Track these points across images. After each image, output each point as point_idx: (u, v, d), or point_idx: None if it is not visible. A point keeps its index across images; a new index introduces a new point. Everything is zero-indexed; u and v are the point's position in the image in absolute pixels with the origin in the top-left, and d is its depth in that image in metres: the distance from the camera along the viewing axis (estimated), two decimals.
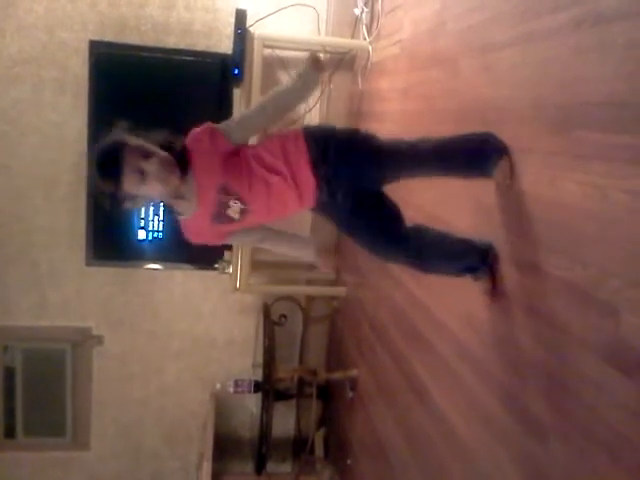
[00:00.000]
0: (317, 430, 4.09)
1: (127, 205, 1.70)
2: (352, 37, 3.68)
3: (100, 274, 3.88)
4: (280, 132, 1.93)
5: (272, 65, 3.72)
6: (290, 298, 4.05)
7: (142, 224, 3.66)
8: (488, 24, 2.00)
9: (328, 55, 3.79)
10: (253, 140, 2.09)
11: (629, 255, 1.27)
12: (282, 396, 3.83)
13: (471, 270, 1.87)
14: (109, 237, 3.65)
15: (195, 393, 4.14)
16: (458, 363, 2.10)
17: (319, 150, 1.78)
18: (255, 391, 3.72)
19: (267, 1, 3.63)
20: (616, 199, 1.31)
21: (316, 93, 3.83)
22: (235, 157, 1.76)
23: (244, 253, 3.53)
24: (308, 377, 3.78)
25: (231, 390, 3.74)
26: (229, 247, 3.61)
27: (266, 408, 3.58)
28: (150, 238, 3.69)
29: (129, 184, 1.64)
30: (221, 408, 4.07)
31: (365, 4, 3.46)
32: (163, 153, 1.68)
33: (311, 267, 3.63)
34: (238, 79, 3.33)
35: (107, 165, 1.64)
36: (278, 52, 3.72)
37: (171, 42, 3.68)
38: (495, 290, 1.84)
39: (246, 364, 4.08)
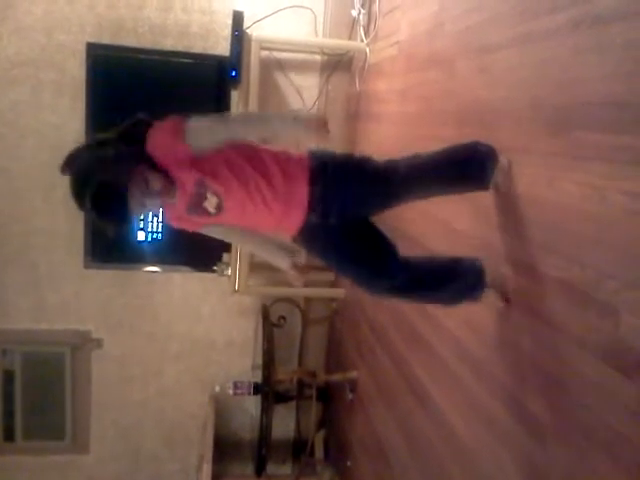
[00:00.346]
0: (317, 432, 4.08)
1: (127, 226, 1.70)
2: (349, 39, 3.68)
3: (99, 276, 3.88)
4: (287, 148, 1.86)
5: (269, 67, 3.72)
6: (289, 300, 4.05)
7: (141, 225, 3.66)
8: (486, 25, 2.00)
9: (326, 57, 3.81)
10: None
11: (628, 256, 1.27)
12: (282, 398, 3.82)
13: (468, 294, 1.84)
14: (108, 239, 3.64)
15: (194, 395, 4.14)
16: (458, 364, 2.10)
17: (320, 169, 1.74)
18: (255, 393, 3.72)
19: (264, 3, 3.63)
20: (615, 200, 1.31)
21: (314, 95, 3.85)
22: (218, 154, 1.69)
23: (243, 255, 3.53)
24: (308, 379, 3.78)
25: (231, 392, 3.74)
26: (228, 249, 3.61)
27: (266, 410, 3.58)
28: (149, 239, 3.69)
29: (134, 213, 1.64)
30: (221, 410, 4.07)
31: (362, 5, 3.46)
32: (154, 180, 1.64)
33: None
34: (235, 81, 3.33)
35: (105, 209, 1.62)
36: (275, 54, 3.72)
37: (168, 44, 3.68)
38: (509, 303, 1.77)
39: (245, 366, 4.08)
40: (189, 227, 1.87)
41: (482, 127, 1.96)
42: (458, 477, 2.08)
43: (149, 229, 3.67)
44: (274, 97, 3.81)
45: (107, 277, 3.90)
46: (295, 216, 1.76)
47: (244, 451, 4.23)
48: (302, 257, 1.95)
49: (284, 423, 4.23)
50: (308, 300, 4.15)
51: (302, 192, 1.72)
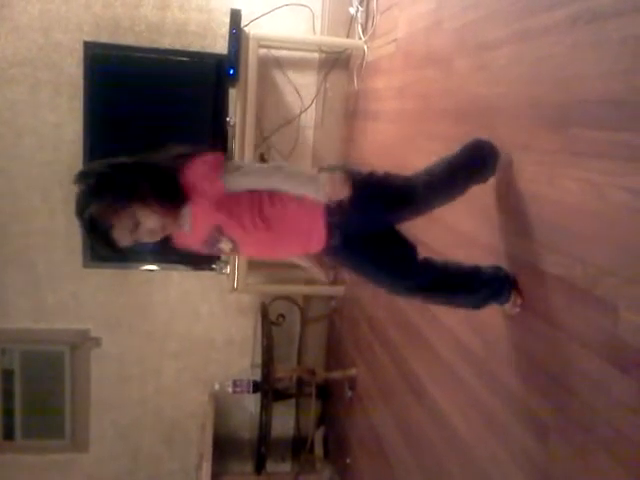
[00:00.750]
0: (316, 429, 4.09)
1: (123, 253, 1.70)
2: (347, 36, 3.67)
3: (97, 276, 3.87)
4: None
5: (267, 65, 3.72)
6: (288, 298, 4.05)
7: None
8: (484, 22, 2.00)
9: (323, 55, 3.80)
10: None
11: (627, 252, 1.27)
12: (281, 396, 3.83)
13: (494, 296, 1.78)
14: None
15: (194, 394, 4.14)
16: (457, 361, 2.11)
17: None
18: (254, 391, 3.71)
19: (262, 1, 3.62)
20: (614, 197, 1.31)
21: (312, 93, 3.85)
22: (242, 195, 1.66)
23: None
24: (307, 377, 3.78)
25: (230, 390, 3.73)
26: None
27: (265, 408, 3.58)
28: None
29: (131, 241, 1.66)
30: (220, 408, 4.07)
31: (360, 3, 3.45)
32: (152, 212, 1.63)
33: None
34: (233, 79, 3.32)
35: (96, 237, 1.63)
36: (273, 52, 3.72)
37: (166, 43, 3.68)
38: (524, 303, 1.73)
39: (245, 364, 4.08)
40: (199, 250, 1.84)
41: (481, 124, 1.96)
42: (457, 474, 2.08)
43: None
44: (272, 95, 3.81)
45: (106, 276, 3.90)
46: (314, 246, 1.76)
47: (244, 449, 4.24)
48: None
49: (283, 421, 4.23)
50: (307, 298, 4.15)
51: (319, 227, 1.70)
